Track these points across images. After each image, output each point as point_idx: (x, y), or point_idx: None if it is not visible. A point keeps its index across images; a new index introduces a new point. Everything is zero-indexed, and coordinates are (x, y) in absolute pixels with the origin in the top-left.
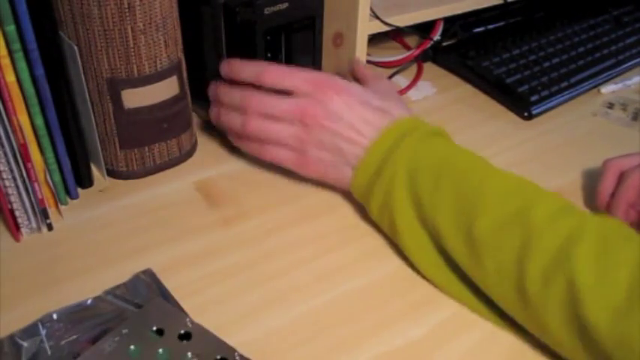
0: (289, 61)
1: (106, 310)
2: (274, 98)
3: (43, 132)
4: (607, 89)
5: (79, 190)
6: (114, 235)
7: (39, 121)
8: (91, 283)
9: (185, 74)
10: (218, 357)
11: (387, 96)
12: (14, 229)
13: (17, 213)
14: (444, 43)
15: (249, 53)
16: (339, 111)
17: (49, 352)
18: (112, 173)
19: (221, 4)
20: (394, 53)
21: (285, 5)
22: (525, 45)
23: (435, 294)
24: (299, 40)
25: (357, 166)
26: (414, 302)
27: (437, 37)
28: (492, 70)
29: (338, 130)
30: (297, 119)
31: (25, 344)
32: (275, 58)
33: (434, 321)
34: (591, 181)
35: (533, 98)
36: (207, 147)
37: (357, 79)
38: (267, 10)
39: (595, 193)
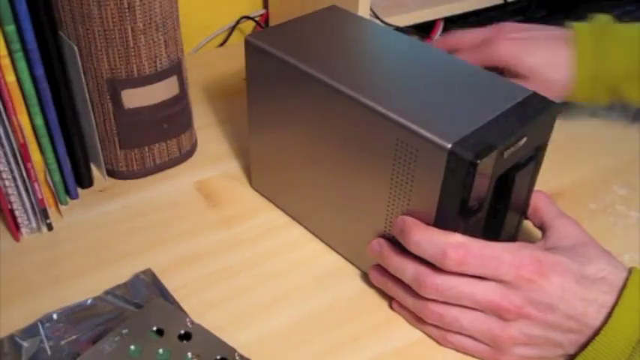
0: (506, 203)
1: (106, 310)
2: (459, 283)
3: (43, 132)
4: None
5: (79, 190)
6: (114, 235)
7: (39, 121)
8: (91, 283)
9: (185, 74)
10: (218, 357)
11: (585, 248)
12: (14, 229)
13: (17, 213)
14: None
15: (470, 206)
16: (552, 300)
17: (49, 352)
18: (112, 173)
19: (447, 149)
20: None
21: (523, 141)
22: None
23: None
24: (518, 177)
25: (580, 356)
26: None
27: (437, 37)
28: None
29: (552, 322)
30: (491, 311)
31: (25, 344)
32: (495, 205)
33: None
34: (591, 181)
35: None
36: (207, 147)
37: (536, 222)
38: (507, 154)
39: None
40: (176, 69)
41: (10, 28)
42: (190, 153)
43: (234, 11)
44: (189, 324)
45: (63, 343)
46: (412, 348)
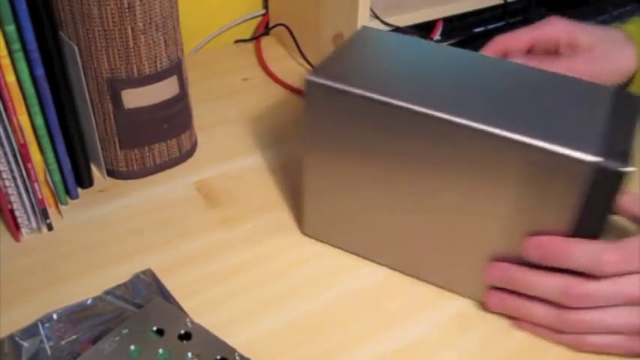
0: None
1: (106, 310)
2: (611, 285)
3: (43, 132)
4: None
5: (79, 190)
6: (114, 235)
7: (39, 121)
8: (91, 283)
9: (185, 74)
10: (218, 357)
11: None
12: (14, 229)
13: (17, 213)
14: (444, 43)
15: (599, 217)
16: None
17: (49, 352)
18: (112, 173)
19: (592, 163)
20: None
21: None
22: None
23: (435, 295)
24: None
25: None
26: (414, 302)
27: (437, 37)
28: None
29: None
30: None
31: (25, 344)
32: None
33: (433, 321)
34: None
35: None
36: (207, 147)
37: (627, 215)
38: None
39: None
40: (176, 69)
41: (10, 28)
42: (190, 153)
43: (234, 11)
44: (189, 324)
45: (63, 343)
46: (412, 348)
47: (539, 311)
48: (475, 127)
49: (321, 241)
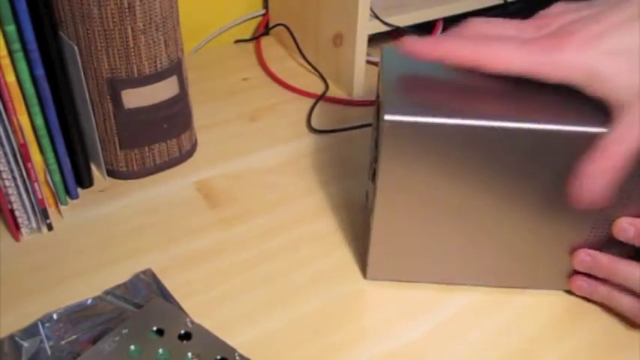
0: None
1: (106, 310)
2: None
3: (43, 132)
4: None
5: (79, 190)
6: (114, 235)
7: (39, 121)
8: (91, 283)
9: (185, 74)
10: (218, 357)
11: None
12: (14, 229)
13: (17, 213)
14: None
15: None
16: None
17: (49, 352)
18: (112, 173)
19: None
20: None
21: None
22: None
23: (435, 295)
24: None
25: None
26: (413, 303)
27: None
28: None
29: None
30: None
31: (25, 344)
32: None
33: (434, 321)
34: None
35: None
36: (207, 147)
37: None
38: None
39: None
40: (176, 69)
41: (10, 28)
42: (190, 153)
43: (234, 11)
44: (189, 324)
45: (63, 343)
46: (412, 348)
47: (624, 301)
48: (576, 130)
49: (390, 281)
